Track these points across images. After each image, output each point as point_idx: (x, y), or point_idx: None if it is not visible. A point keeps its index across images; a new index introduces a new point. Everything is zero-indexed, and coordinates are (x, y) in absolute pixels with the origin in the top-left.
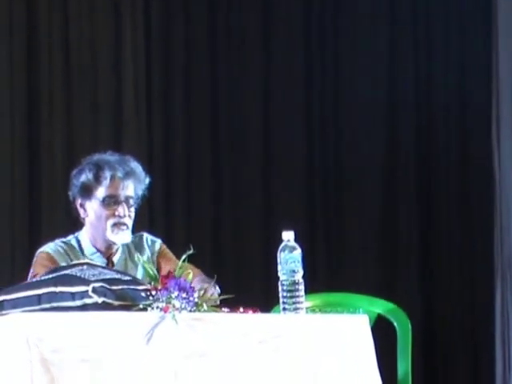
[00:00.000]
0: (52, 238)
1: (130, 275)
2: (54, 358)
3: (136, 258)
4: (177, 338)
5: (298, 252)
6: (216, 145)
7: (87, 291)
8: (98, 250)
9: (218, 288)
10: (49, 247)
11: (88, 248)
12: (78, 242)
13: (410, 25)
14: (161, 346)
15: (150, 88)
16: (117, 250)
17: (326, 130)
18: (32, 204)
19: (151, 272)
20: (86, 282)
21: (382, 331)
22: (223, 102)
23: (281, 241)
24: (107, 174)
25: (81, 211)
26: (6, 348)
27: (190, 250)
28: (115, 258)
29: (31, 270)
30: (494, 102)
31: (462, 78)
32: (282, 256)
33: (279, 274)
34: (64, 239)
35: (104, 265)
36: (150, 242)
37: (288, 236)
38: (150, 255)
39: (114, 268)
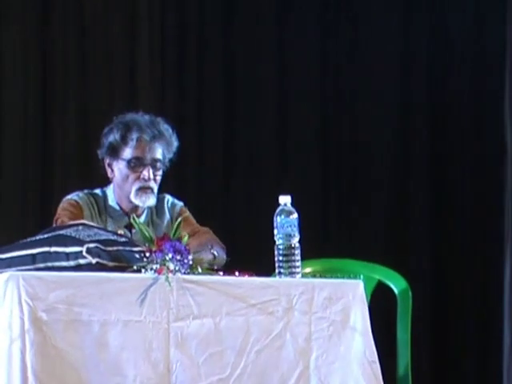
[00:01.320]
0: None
1: (125, 236)
2: (46, 318)
3: (132, 220)
4: (170, 300)
5: (295, 216)
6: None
7: (81, 252)
8: (122, 209)
9: (216, 252)
10: (76, 195)
11: (113, 205)
12: (105, 196)
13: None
14: (154, 308)
15: (164, 57)
16: (142, 212)
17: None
18: (44, 176)
19: (147, 234)
20: (81, 243)
21: (383, 299)
22: (239, 73)
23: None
24: (134, 135)
25: (108, 171)
26: None
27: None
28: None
29: (56, 215)
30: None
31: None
32: (278, 220)
33: (275, 238)
34: (91, 191)
35: (126, 223)
36: (170, 205)
37: (285, 200)
38: (169, 219)
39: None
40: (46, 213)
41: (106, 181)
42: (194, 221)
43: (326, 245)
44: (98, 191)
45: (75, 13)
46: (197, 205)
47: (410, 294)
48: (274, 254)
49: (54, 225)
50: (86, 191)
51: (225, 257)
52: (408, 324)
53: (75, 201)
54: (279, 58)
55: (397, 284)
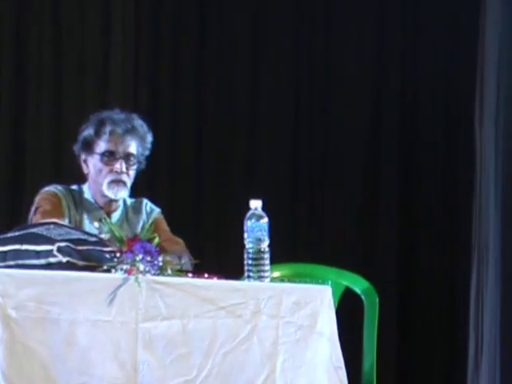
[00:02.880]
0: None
1: (96, 236)
2: (15, 315)
3: (103, 219)
4: (139, 301)
5: (265, 221)
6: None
7: (52, 250)
8: (97, 203)
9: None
10: (54, 187)
11: (88, 199)
12: (81, 191)
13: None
14: (123, 308)
15: (137, 50)
16: (117, 209)
17: (314, 105)
18: (17, 166)
19: (117, 234)
20: (52, 241)
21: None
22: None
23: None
24: (107, 128)
25: (84, 167)
26: None
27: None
28: (114, 216)
29: (34, 205)
30: (478, 80)
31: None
32: (248, 224)
33: (245, 241)
34: (67, 186)
35: (101, 217)
36: (148, 209)
37: (255, 204)
38: (145, 220)
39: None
40: (17, 212)
41: (78, 180)
42: (167, 228)
43: (294, 249)
44: (74, 187)
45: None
46: (166, 207)
47: (377, 300)
48: (243, 257)
49: (32, 214)
50: (62, 186)
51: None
52: (374, 330)
53: (53, 192)
54: (253, 57)
55: (364, 290)
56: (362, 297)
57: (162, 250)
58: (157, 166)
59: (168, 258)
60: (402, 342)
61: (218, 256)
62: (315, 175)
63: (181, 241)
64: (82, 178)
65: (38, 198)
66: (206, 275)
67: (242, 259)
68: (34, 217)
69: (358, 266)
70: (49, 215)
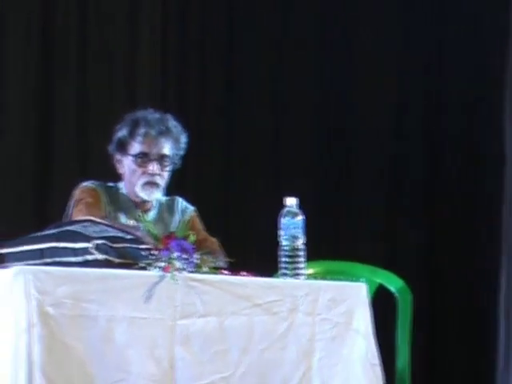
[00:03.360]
0: (63, 195)
1: (132, 234)
2: (53, 312)
3: (139, 217)
4: (176, 298)
5: (300, 218)
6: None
7: (89, 248)
8: (133, 202)
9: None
10: (91, 182)
11: (124, 197)
12: (117, 189)
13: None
14: (160, 305)
15: (165, 41)
16: (151, 208)
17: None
18: (43, 173)
19: (153, 232)
20: (88, 239)
21: (383, 302)
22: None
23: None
24: (141, 130)
25: (118, 167)
26: (7, 300)
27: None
28: (149, 215)
29: (73, 198)
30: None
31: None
32: (283, 221)
33: (280, 239)
34: (103, 183)
35: (137, 216)
36: (183, 207)
37: (290, 201)
38: (180, 219)
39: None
40: (44, 210)
41: (103, 178)
42: (202, 227)
43: (321, 246)
44: (110, 184)
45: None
46: (196, 203)
47: (411, 298)
48: (272, 254)
49: (73, 208)
50: (99, 182)
51: None
52: (408, 328)
53: (93, 187)
54: (279, 58)
55: (398, 288)
56: (396, 295)
57: (197, 248)
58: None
59: (204, 257)
60: (431, 342)
61: (245, 255)
62: (342, 172)
63: (215, 240)
64: (108, 176)
65: (77, 192)
66: (242, 273)
67: (269, 257)
68: (75, 209)
69: (383, 263)
70: (92, 207)
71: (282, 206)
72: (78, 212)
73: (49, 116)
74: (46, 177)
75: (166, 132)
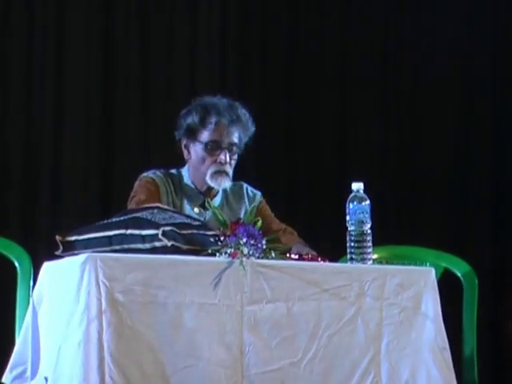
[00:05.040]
0: (127, 181)
1: (199, 220)
2: (122, 299)
3: (206, 203)
4: (244, 284)
5: (367, 203)
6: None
7: (157, 234)
8: (197, 189)
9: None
10: (152, 173)
11: (188, 184)
12: (180, 176)
13: None
14: (228, 291)
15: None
16: (216, 194)
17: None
18: (106, 163)
19: (221, 218)
20: (156, 226)
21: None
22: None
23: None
24: (213, 119)
25: (185, 152)
26: (77, 287)
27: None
28: (214, 201)
29: (133, 191)
30: None
31: None
32: (350, 206)
33: (347, 224)
34: (166, 170)
35: (203, 202)
36: (250, 193)
37: (357, 186)
38: (248, 205)
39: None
40: (107, 199)
41: (167, 165)
42: (271, 213)
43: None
44: (173, 171)
45: None
46: (261, 188)
47: (477, 282)
48: (339, 239)
49: (130, 202)
50: (161, 170)
51: None
52: (474, 313)
53: (151, 178)
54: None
55: (463, 272)
56: (462, 279)
57: (277, 241)
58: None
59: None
60: (498, 329)
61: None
62: (405, 159)
63: (293, 231)
64: (172, 162)
65: (136, 185)
66: (309, 257)
67: (335, 242)
68: (129, 205)
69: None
70: (144, 203)
71: (348, 190)
72: (132, 206)
73: (111, 104)
74: (108, 166)
75: (236, 120)
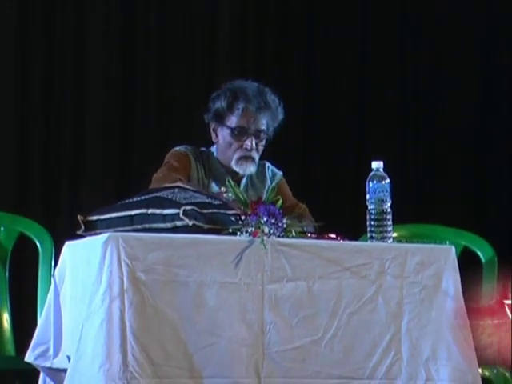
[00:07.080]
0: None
1: (220, 199)
2: (144, 278)
3: (227, 182)
4: (265, 263)
5: (387, 181)
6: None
7: (178, 214)
8: (225, 167)
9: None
10: (184, 147)
11: (216, 163)
12: (209, 155)
13: None
14: (249, 270)
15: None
16: (243, 176)
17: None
18: (124, 150)
19: (241, 197)
20: (177, 205)
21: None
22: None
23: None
24: (240, 104)
25: (213, 135)
26: (99, 266)
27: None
28: (242, 182)
29: (164, 163)
30: None
31: None
32: (370, 185)
33: (367, 203)
34: (196, 148)
35: (227, 180)
36: (271, 173)
37: (377, 165)
38: (269, 184)
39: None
40: (128, 180)
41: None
42: (290, 192)
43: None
44: (203, 149)
45: None
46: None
47: (496, 260)
48: (359, 217)
49: (161, 169)
50: (193, 146)
51: None
52: (493, 290)
53: (184, 151)
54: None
55: (483, 250)
56: (482, 257)
57: (285, 213)
58: None
59: (292, 221)
60: None
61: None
62: (425, 134)
63: (303, 205)
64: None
65: (168, 155)
66: (329, 236)
67: (354, 220)
68: (159, 170)
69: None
70: (175, 171)
71: (368, 169)
72: (159, 173)
73: (132, 91)
74: (129, 148)
75: (264, 107)
